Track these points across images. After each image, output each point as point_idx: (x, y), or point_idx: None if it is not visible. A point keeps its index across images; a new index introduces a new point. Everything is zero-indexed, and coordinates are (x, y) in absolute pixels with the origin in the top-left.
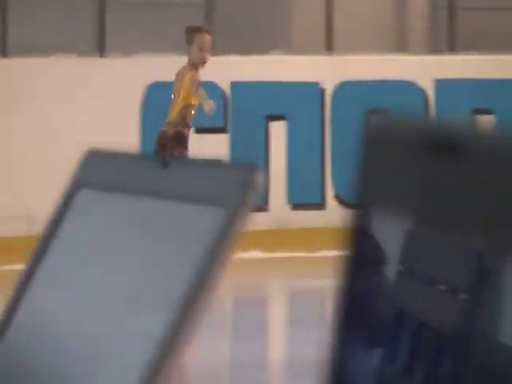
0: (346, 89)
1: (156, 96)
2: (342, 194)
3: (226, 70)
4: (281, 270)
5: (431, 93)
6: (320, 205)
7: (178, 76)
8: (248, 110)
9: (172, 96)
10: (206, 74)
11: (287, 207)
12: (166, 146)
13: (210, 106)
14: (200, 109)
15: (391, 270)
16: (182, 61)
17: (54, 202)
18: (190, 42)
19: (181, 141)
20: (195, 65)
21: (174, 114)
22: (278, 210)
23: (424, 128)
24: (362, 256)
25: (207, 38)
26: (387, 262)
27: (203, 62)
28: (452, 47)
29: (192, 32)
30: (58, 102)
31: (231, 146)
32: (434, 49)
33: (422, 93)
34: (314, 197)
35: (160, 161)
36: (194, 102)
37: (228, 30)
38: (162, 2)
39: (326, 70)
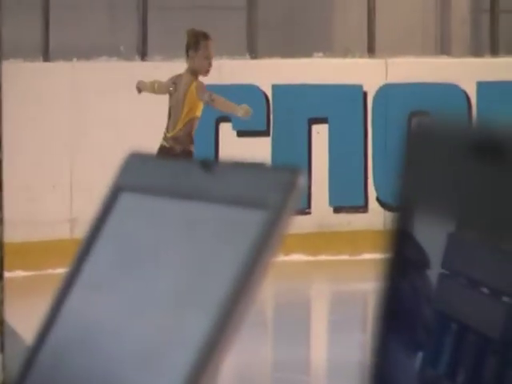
0: (388, 91)
1: None
2: (383, 196)
3: (267, 72)
4: (323, 273)
5: (474, 95)
6: (362, 207)
7: (179, 85)
8: (290, 112)
9: (171, 107)
10: (247, 77)
11: (329, 210)
12: None
13: (245, 109)
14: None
15: (434, 272)
16: (223, 64)
17: (97, 205)
18: (194, 47)
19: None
20: (196, 73)
21: (178, 128)
22: (321, 212)
23: (467, 131)
24: (404, 259)
25: (212, 45)
26: (429, 265)
27: (207, 71)
28: (494, 50)
29: (198, 37)
30: (100, 104)
31: (273, 149)
32: (476, 51)
33: (464, 95)
34: (356, 199)
35: (202, 164)
36: (199, 114)
37: (269, 33)
38: (204, 5)
39: (368, 73)
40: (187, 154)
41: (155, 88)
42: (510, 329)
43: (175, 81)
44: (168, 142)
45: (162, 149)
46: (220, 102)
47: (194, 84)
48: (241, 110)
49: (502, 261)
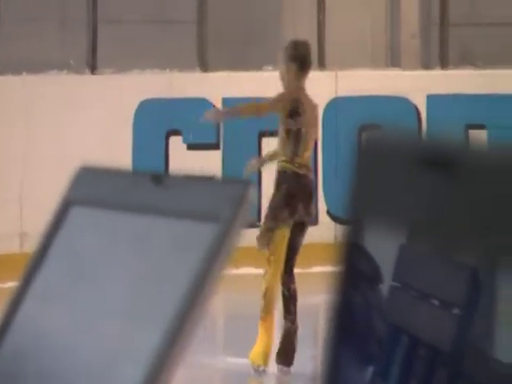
0: (338, 104)
1: (148, 113)
2: (334, 209)
3: (217, 85)
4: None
5: (424, 108)
6: (313, 221)
7: (308, 108)
8: (240, 126)
9: (300, 131)
10: (197, 90)
11: None
12: (311, 197)
13: None
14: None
15: (385, 285)
16: (174, 77)
17: (48, 219)
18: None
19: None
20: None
21: (307, 155)
22: None
23: (417, 144)
24: (355, 271)
25: None
26: (381, 278)
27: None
28: (444, 63)
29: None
30: (50, 118)
31: (224, 163)
32: (426, 64)
33: (414, 108)
34: None
35: (153, 178)
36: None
37: (220, 47)
38: (154, 19)
39: (318, 86)
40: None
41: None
42: (460, 340)
43: (303, 101)
44: (304, 171)
45: (307, 183)
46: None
47: (317, 107)
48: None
49: (452, 273)
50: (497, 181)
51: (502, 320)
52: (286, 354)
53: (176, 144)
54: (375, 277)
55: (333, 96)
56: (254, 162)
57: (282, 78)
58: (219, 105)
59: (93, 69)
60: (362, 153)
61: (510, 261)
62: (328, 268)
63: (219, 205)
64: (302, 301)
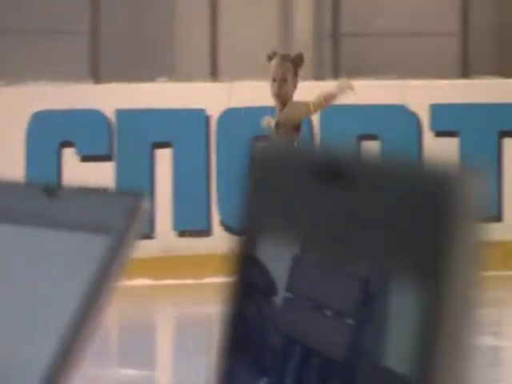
0: (231, 115)
1: (40, 125)
2: (228, 220)
3: (110, 97)
4: (168, 297)
5: (316, 119)
6: (206, 231)
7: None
8: (133, 137)
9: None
10: (90, 101)
11: (174, 234)
12: None
13: (344, 85)
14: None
15: (278, 296)
16: (66, 89)
17: None
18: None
19: None
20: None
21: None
22: (165, 237)
23: (308, 154)
24: (248, 282)
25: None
26: (274, 288)
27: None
28: (336, 74)
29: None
30: None
31: (117, 174)
32: (318, 75)
33: (306, 119)
34: (200, 223)
35: (45, 189)
36: None
37: (113, 58)
38: (46, 30)
39: (211, 97)
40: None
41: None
42: (353, 350)
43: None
44: None
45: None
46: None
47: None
48: (341, 89)
49: (344, 284)
50: (388, 192)
51: (393, 330)
52: None
53: (69, 156)
54: (269, 288)
55: (226, 107)
56: (268, 118)
57: (291, 90)
58: (113, 116)
59: None
60: (253, 163)
61: (400, 272)
62: (221, 279)
63: (112, 216)
64: (196, 311)
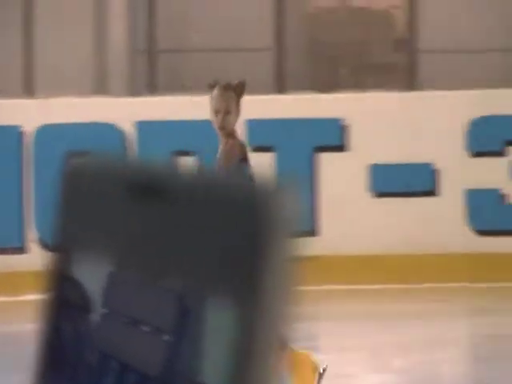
0: (47, 132)
1: None
2: (44, 237)
3: None
4: None
5: (132, 135)
6: (20, 249)
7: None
8: None
9: None
10: None
11: None
12: None
13: None
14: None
15: (95, 312)
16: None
17: None
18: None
19: None
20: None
21: None
22: None
23: (123, 171)
24: (64, 299)
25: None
26: (91, 305)
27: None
28: (152, 89)
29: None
30: None
31: None
32: (134, 91)
33: (122, 135)
34: (13, 241)
35: None
36: None
37: None
38: None
39: (26, 113)
40: None
41: None
42: (170, 366)
43: None
44: None
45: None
46: None
47: None
48: None
49: (160, 299)
50: (204, 208)
51: (210, 346)
52: None
53: None
54: (85, 305)
55: (41, 123)
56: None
57: (235, 120)
58: None
59: None
60: (67, 180)
61: (216, 288)
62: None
63: None
64: (9, 329)
